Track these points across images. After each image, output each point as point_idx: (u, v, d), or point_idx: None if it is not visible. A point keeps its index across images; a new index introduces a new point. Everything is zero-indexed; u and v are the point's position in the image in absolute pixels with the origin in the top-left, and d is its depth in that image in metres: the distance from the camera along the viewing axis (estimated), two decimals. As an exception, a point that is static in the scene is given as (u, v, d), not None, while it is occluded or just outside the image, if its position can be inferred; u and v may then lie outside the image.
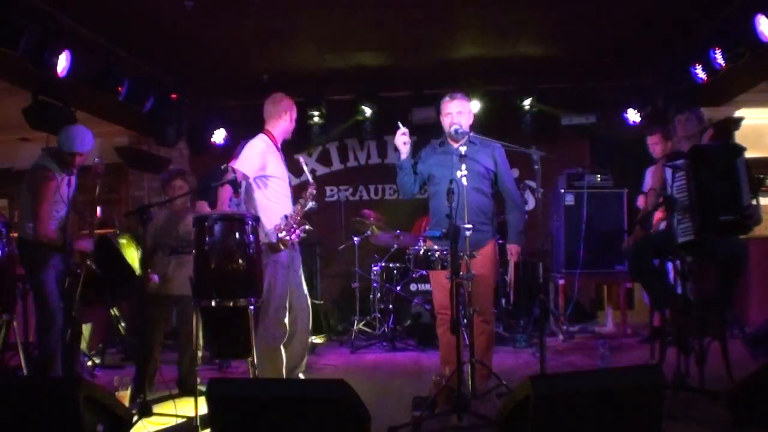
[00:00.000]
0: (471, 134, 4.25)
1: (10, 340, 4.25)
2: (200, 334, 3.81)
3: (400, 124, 4.20)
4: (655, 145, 5.78)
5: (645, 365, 4.19)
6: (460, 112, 4.25)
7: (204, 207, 5.44)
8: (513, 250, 4.34)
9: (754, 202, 3.98)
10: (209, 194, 5.28)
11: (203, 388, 3.03)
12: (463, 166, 3.84)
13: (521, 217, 4.41)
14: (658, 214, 4.83)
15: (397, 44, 6.42)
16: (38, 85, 5.80)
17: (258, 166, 4.27)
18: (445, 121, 4.28)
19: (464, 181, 3.82)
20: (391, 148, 8.46)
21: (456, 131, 4.17)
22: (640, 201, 5.92)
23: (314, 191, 4.40)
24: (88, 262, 4.67)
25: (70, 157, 4.54)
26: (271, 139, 4.42)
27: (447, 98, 4.30)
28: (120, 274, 5.61)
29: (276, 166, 4.37)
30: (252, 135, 4.44)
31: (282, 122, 4.48)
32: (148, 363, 4.47)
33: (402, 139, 4.20)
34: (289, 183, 4.55)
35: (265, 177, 4.33)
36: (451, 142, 4.29)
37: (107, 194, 7.92)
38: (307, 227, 4.38)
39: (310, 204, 4.37)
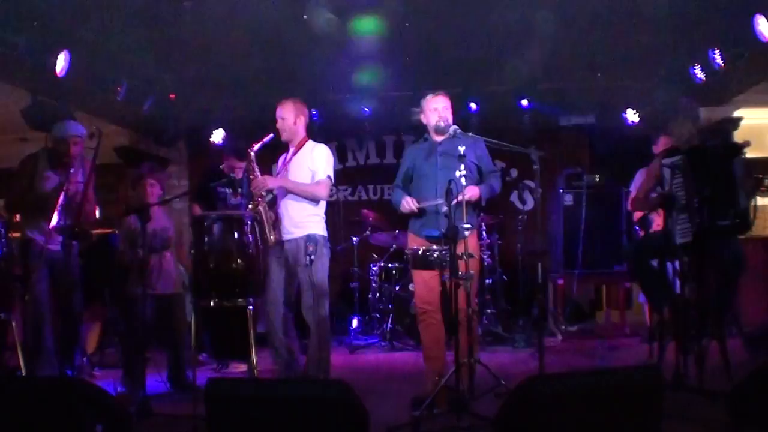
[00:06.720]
0: (458, 129, 4.23)
1: (9, 340, 4.25)
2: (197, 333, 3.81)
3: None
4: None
5: (643, 365, 4.19)
6: (445, 107, 4.37)
7: (195, 209, 5.45)
8: (470, 189, 4.05)
9: (751, 204, 3.97)
10: (208, 195, 5.33)
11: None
12: (462, 166, 3.84)
13: (495, 188, 4.35)
14: (658, 219, 4.80)
15: (396, 44, 6.41)
16: (37, 84, 5.79)
17: None
18: (431, 117, 4.37)
19: (463, 181, 3.82)
20: (390, 147, 8.47)
21: (441, 126, 4.28)
22: (630, 203, 5.89)
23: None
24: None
25: (65, 145, 4.52)
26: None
27: (430, 96, 4.42)
28: (119, 274, 5.59)
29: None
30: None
31: None
32: (137, 363, 4.43)
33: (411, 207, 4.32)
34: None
35: None
36: (435, 137, 4.37)
37: (106, 194, 7.90)
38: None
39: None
